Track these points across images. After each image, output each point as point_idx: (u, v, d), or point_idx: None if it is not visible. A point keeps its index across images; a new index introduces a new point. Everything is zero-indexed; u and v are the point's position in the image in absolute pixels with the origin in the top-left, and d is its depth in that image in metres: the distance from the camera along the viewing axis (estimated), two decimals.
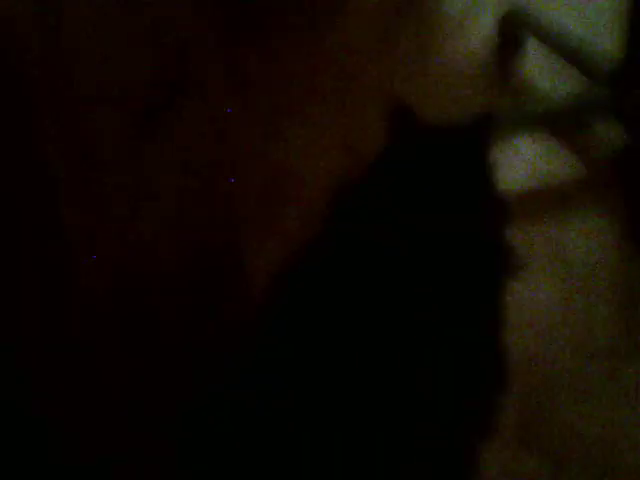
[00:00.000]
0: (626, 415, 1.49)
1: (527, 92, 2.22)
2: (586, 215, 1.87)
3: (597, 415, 1.50)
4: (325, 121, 2.03)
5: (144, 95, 1.22)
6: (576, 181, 1.96)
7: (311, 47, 2.22)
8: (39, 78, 1.04)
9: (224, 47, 1.78)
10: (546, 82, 2.22)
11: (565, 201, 1.91)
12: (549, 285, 1.73)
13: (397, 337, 1.10)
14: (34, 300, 1.20)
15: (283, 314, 1.14)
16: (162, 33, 1.20)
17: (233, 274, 1.40)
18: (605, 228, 1.84)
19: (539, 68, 2.25)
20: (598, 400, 1.52)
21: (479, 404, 1.18)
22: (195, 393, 1.21)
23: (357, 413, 1.04)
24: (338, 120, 2.03)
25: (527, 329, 1.64)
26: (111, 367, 1.23)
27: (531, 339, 1.62)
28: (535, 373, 1.56)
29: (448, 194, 1.21)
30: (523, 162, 1.98)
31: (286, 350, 1.08)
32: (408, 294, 1.14)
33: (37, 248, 1.17)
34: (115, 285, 1.23)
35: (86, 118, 1.13)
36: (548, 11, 2.39)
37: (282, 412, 1.04)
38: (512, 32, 2.35)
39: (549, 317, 1.66)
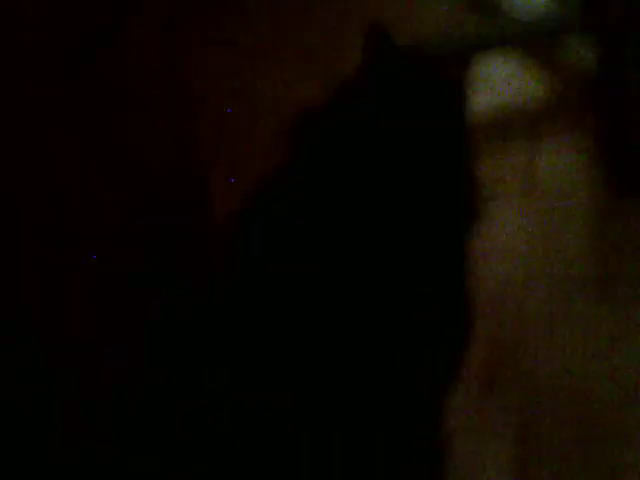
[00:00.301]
0: (602, 366, 1.46)
1: (498, 8, 2.07)
2: (557, 140, 1.79)
3: (570, 361, 1.48)
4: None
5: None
6: (547, 104, 1.87)
7: None
8: None
9: None
10: None
11: (535, 126, 1.82)
12: (520, 215, 1.67)
13: (397, 337, 1.10)
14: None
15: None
16: None
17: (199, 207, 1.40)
18: (576, 153, 1.77)
19: None
20: (571, 345, 1.49)
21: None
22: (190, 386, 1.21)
23: (357, 413, 1.04)
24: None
25: (500, 261, 1.59)
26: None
27: (504, 269, 1.57)
28: (507, 305, 1.53)
29: (418, 126, 1.20)
30: (494, 83, 1.88)
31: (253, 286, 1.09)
32: (408, 293, 1.14)
33: None
34: None
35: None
36: None
37: (282, 412, 1.04)
38: None
39: (521, 247, 1.62)
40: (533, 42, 1.92)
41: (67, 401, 1.25)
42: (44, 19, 1.20)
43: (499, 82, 1.86)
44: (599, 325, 1.51)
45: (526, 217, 1.66)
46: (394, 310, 1.13)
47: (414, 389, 1.09)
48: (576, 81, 1.87)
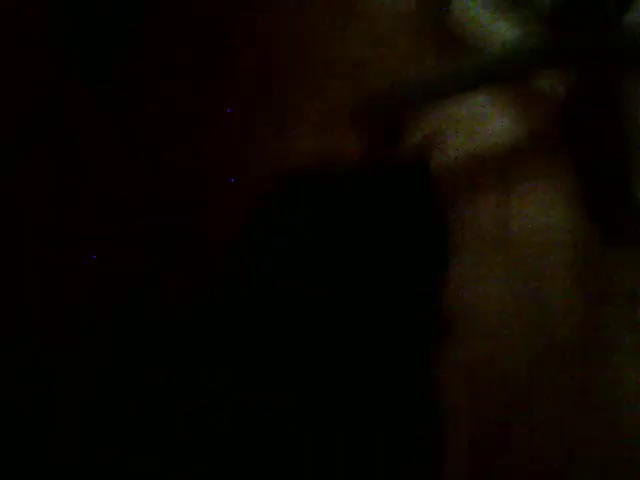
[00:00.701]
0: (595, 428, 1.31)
1: (459, 45, 1.89)
2: (532, 186, 1.62)
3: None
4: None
5: None
6: (520, 145, 1.71)
7: None
8: None
9: None
10: (480, 31, 1.86)
11: (508, 170, 1.65)
12: (498, 273, 1.49)
13: (397, 337, 1.10)
14: None
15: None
16: None
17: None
18: (554, 198, 1.60)
19: (471, 18, 1.86)
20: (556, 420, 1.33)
21: None
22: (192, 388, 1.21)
23: (357, 413, 1.04)
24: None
25: (478, 329, 1.41)
26: None
27: (483, 340, 1.42)
28: (489, 381, 1.37)
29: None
30: (460, 128, 1.71)
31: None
32: (405, 293, 1.14)
33: None
34: None
35: None
36: None
37: (282, 412, 1.04)
38: None
39: (500, 313, 1.45)
40: (503, 79, 1.76)
41: (67, 401, 1.25)
42: None
43: (468, 124, 1.71)
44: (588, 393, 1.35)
45: (500, 274, 1.49)
46: (393, 310, 1.13)
47: (414, 389, 1.09)
48: (550, 118, 1.72)
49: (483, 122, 1.70)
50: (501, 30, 1.82)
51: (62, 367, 1.26)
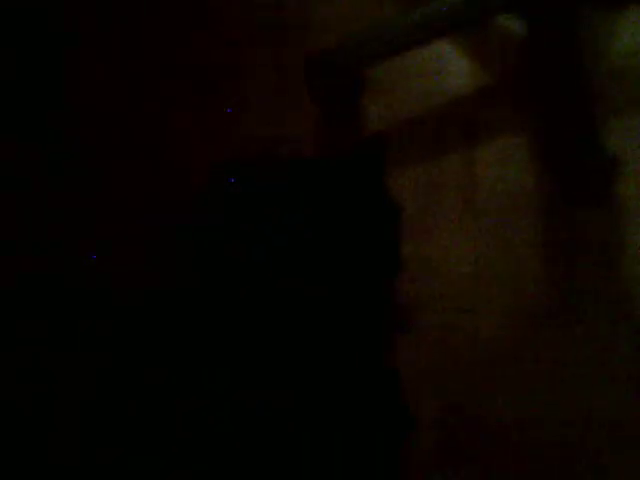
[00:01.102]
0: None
1: None
2: (496, 143, 1.53)
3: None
4: None
5: None
6: (483, 97, 1.59)
7: None
8: None
9: None
10: None
11: (471, 126, 1.56)
12: (462, 236, 1.43)
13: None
14: None
15: None
16: None
17: None
18: (519, 155, 1.52)
19: None
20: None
21: None
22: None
23: (357, 413, 1.04)
24: None
25: (445, 285, 1.38)
26: None
27: (450, 294, 1.38)
28: (457, 351, 1.33)
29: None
30: (423, 78, 1.62)
31: None
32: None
33: None
34: None
35: None
36: None
37: (282, 412, 1.04)
38: None
39: (467, 274, 1.40)
40: (461, 25, 1.61)
41: (67, 401, 1.25)
42: None
43: (428, 75, 1.61)
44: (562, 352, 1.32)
45: (468, 235, 1.42)
46: (393, 310, 1.13)
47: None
48: (514, 66, 1.60)
49: (444, 73, 1.61)
50: None
51: (62, 367, 1.26)
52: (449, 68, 1.60)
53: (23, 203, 1.43)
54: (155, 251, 1.37)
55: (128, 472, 1.21)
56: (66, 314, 1.30)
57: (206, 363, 1.21)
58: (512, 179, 1.47)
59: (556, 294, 1.36)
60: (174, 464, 1.14)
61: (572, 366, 1.29)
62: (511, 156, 1.50)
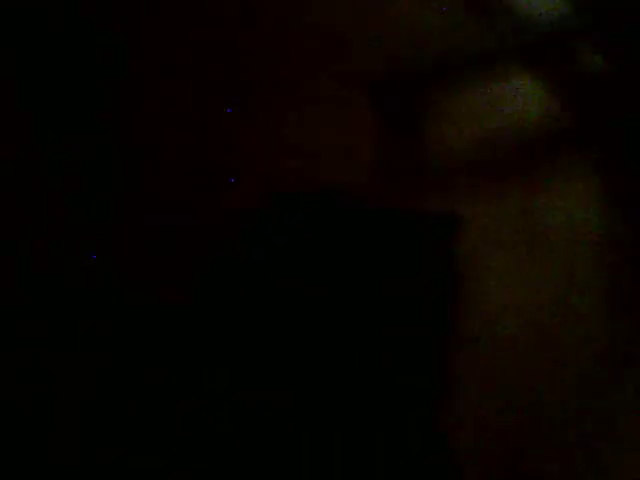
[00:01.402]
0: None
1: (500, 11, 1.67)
2: (559, 177, 1.49)
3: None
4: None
5: None
6: (553, 132, 1.52)
7: None
8: None
9: None
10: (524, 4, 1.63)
11: (535, 159, 1.51)
12: (519, 267, 1.41)
13: (396, 338, 1.10)
14: None
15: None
16: None
17: None
18: (581, 193, 1.47)
19: None
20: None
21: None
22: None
23: (357, 413, 1.04)
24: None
25: (504, 320, 1.34)
26: None
27: (510, 328, 1.34)
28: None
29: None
30: (494, 105, 1.59)
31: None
32: (406, 297, 1.14)
33: None
34: None
35: None
36: None
37: (282, 412, 1.04)
38: None
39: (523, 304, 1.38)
40: (538, 49, 1.59)
41: (67, 401, 1.25)
42: None
43: (501, 104, 1.58)
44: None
45: (526, 269, 1.39)
46: (393, 312, 1.13)
47: (413, 389, 1.09)
48: (588, 96, 1.53)
49: (515, 101, 1.54)
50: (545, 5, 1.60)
51: (62, 367, 1.26)
52: (524, 94, 1.57)
53: (23, 203, 1.43)
54: (156, 251, 1.37)
55: (128, 472, 1.21)
56: (66, 314, 1.30)
57: (206, 363, 1.21)
58: (573, 219, 1.45)
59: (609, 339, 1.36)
60: (174, 464, 1.14)
61: None
62: (575, 196, 1.47)
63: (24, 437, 1.23)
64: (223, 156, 1.50)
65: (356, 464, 1.03)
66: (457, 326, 1.23)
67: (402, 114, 1.55)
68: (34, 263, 1.37)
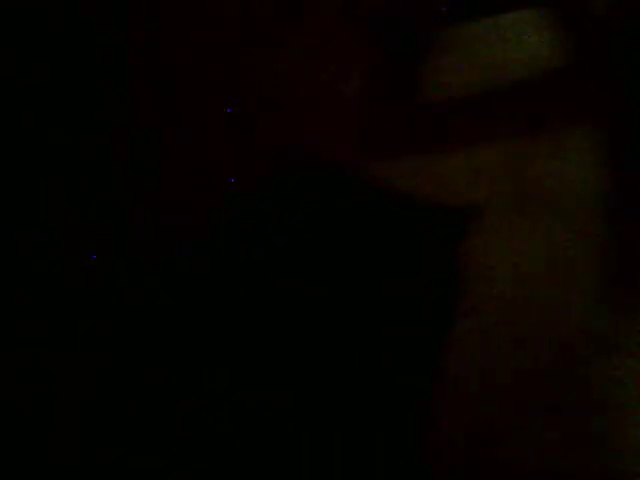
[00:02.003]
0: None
1: None
2: (562, 135, 1.41)
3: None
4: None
5: None
6: (546, 82, 1.44)
7: None
8: None
9: None
10: None
11: (539, 111, 1.43)
12: (512, 231, 1.35)
13: (396, 338, 1.10)
14: None
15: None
16: None
17: None
18: (579, 157, 1.40)
19: None
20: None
21: None
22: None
23: (356, 413, 1.04)
24: None
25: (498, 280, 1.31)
26: None
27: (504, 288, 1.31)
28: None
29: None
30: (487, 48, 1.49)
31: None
32: (405, 297, 1.14)
33: None
34: None
35: None
36: None
37: (282, 412, 1.04)
38: None
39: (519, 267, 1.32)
40: None
41: (67, 401, 1.25)
42: None
43: (510, 39, 1.47)
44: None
45: (525, 232, 1.34)
46: (393, 312, 1.13)
47: (413, 389, 1.09)
48: (597, 42, 1.42)
49: (525, 40, 1.45)
50: None
51: (62, 367, 1.26)
52: (529, 34, 1.48)
53: (23, 203, 1.43)
54: (156, 250, 1.37)
55: (128, 472, 1.21)
56: (66, 314, 1.30)
57: (206, 363, 1.21)
58: (573, 176, 1.38)
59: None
60: (174, 464, 1.14)
61: None
62: (578, 153, 1.39)
63: (24, 437, 1.23)
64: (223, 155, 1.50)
65: (356, 464, 1.03)
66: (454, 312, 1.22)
67: (401, 49, 1.53)
68: (34, 263, 1.37)
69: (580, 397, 1.34)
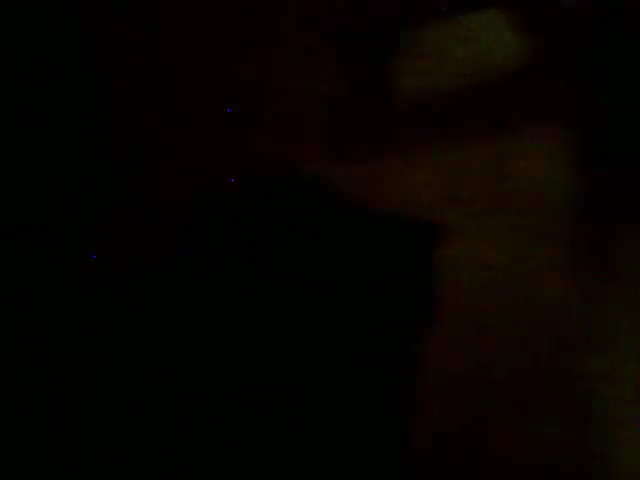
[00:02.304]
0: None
1: None
2: (531, 135, 1.41)
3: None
4: None
5: None
6: (517, 80, 1.46)
7: None
8: None
9: None
10: None
11: (507, 111, 1.44)
12: (486, 229, 1.35)
13: (396, 339, 1.10)
14: None
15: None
16: None
17: None
18: (553, 152, 1.40)
19: None
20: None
21: None
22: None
23: (356, 413, 1.04)
24: None
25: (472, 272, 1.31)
26: None
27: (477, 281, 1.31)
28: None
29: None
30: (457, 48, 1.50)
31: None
32: (403, 296, 1.14)
33: None
34: None
35: None
36: None
37: (282, 412, 1.04)
38: None
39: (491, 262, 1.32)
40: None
41: (67, 401, 1.25)
42: None
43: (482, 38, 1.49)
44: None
45: (493, 232, 1.34)
46: (392, 312, 1.13)
47: (413, 390, 1.09)
48: (556, 30, 1.45)
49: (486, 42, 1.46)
50: None
51: (62, 367, 1.26)
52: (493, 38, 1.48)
53: (23, 203, 1.43)
54: (156, 250, 1.37)
55: (128, 472, 1.21)
56: (66, 314, 1.30)
57: (206, 363, 1.21)
58: (541, 175, 1.39)
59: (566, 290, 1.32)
60: (174, 464, 1.14)
61: None
62: (544, 151, 1.40)
63: (24, 437, 1.23)
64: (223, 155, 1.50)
65: (356, 464, 1.03)
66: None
67: (364, 52, 1.53)
68: (34, 263, 1.37)
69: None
